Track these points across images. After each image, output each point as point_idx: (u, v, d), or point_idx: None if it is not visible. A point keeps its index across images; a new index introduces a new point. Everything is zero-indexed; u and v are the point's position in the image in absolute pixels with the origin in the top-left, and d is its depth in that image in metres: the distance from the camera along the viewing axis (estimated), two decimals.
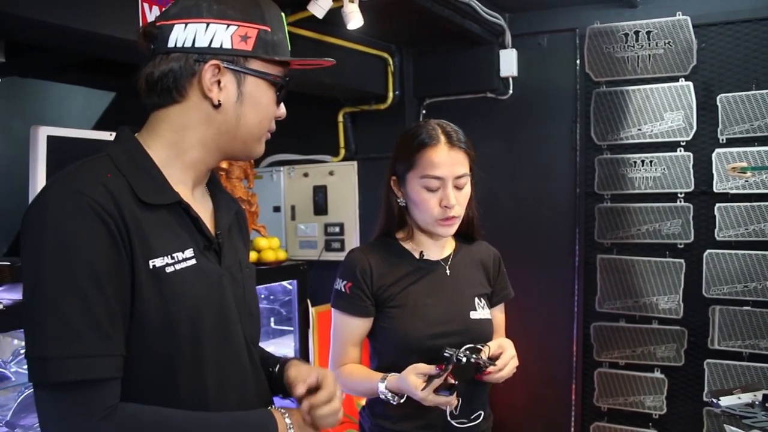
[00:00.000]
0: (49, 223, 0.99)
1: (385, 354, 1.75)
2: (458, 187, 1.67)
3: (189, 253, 1.12)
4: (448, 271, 1.77)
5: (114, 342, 1.01)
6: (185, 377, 1.10)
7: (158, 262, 1.07)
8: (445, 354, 1.53)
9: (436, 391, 1.52)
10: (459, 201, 1.67)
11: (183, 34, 1.11)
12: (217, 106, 1.13)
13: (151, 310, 1.06)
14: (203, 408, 1.12)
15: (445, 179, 1.64)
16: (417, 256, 1.76)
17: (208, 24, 1.11)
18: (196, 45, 1.11)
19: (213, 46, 1.11)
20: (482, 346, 1.61)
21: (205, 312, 1.13)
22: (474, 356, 1.55)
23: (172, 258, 1.09)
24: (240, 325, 1.21)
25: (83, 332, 0.97)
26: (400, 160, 1.71)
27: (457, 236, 1.82)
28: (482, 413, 1.72)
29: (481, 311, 1.75)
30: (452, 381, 1.52)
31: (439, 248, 1.79)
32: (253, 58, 1.14)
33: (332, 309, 1.79)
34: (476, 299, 1.76)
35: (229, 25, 1.11)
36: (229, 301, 1.18)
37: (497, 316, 1.87)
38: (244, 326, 1.23)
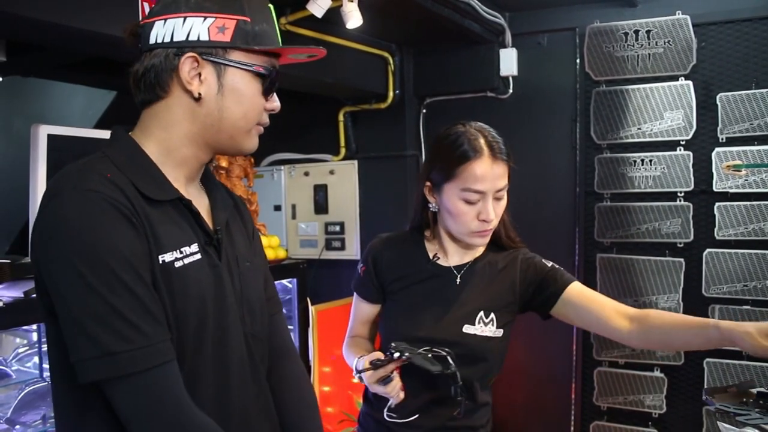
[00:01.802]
0: (72, 226, 1.00)
1: (383, 343, 1.76)
2: (498, 198, 1.62)
3: (194, 247, 1.14)
4: (458, 280, 1.70)
5: (164, 327, 1.05)
6: (186, 371, 1.11)
7: (167, 257, 1.09)
8: (390, 347, 1.53)
9: (381, 381, 1.53)
10: (496, 212, 1.62)
11: (162, 30, 1.12)
12: (198, 99, 1.13)
13: (165, 304, 1.07)
14: (202, 400, 1.13)
15: (486, 193, 1.58)
16: (431, 257, 1.73)
17: (185, 18, 1.11)
18: (175, 39, 1.12)
19: (191, 39, 1.11)
20: (450, 360, 1.51)
21: (209, 307, 1.14)
22: (407, 355, 1.49)
23: (180, 252, 1.11)
24: (239, 321, 1.22)
25: (140, 324, 1.01)
26: (437, 168, 1.63)
27: (489, 243, 1.73)
28: (418, 416, 1.65)
29: (480, 327, 1.65)
30: (389, 375, 1.52)
31: (461, 254, 1.72)
32: (233, 49, 1.14)
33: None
34: (481, 313, 1.65)
35: (206, 18, 1.12)
36: (229, 297, 1.19)
37: (575, 292, 1.64)
38: (244, 321, 1.24)
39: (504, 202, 1.66)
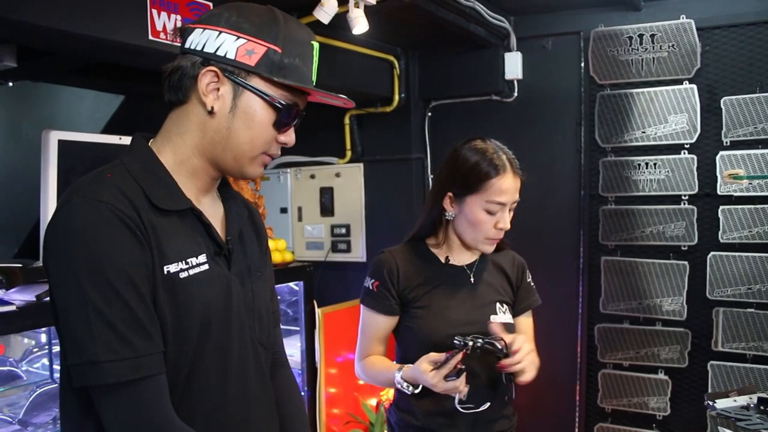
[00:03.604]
0: (77, 234, 1.03)
1: (409, 351, 1.81)
2: (511, 209, 1.78)
3: (202, 258, 1.16)
4: (472, 279, 1.84)
5: (155, 341, 1.06)
6: (185, 379, 1.13)
7: (172, 267, 1.10)
8: (455, 341, 1.61)
9: (446, 378, 1.60)
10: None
11: (198, 38, 1.15)
12: (210, 113, 1.15)
13: (166, 314, 1.09)
14: (198, 407, 1.15)
15: (507, 204, 1.75)
16: (443, 260, 1.85)
17: (220, 32, 1.13)
18: (205, 49, 1.14)
19: (218, 53, 1.13)
20: (496, 339, 1.66)
21: (213, 316, 1.16)
22: (482, 342, 1.61)
23: (186, 263, 1.13)
24: (247, 329, 1.24)
25: (129, 336, 1.03)
26: (461, 181, 1.76)
27: None
28: (490, 403, 1.77)
29: (502, 315, 1.81)
30: (460, 367, 1.59)
31: (467, 255, 1.88)
32: (255, 75, 1.14)
33: (361, 305, 1.88)
34: (498, 304, 1.83)
35: (238, 38, 1.13)
36: (236, 306, 1.21)
37: (523, 323, 1.91)
38: (253, 330, 1.26)
39: (512, 212, 1.80)
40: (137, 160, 1.16)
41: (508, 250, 1.95)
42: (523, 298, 1.92)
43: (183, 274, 1.11)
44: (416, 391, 1.70)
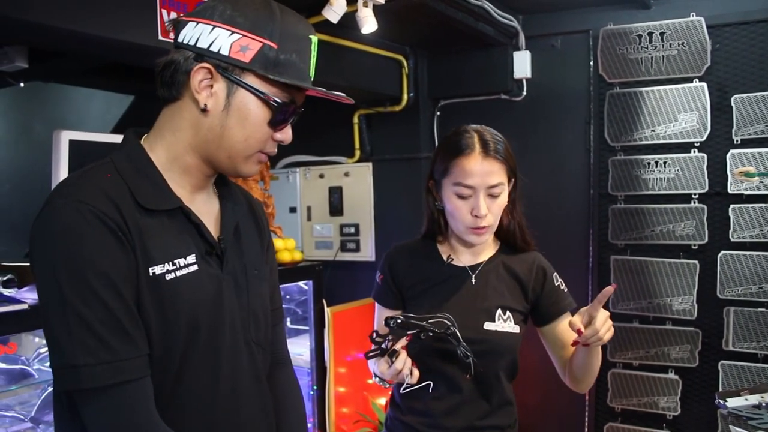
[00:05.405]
0: (58, 235, 1.01)
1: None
2: (493, 196, 1.66)
3: (191, 258, 1.13)
4: (474, 280, 1.75)
5: (138, 344, 1.04)
6: (173, 382, 1.12)
7: (158, 269, 1.08)
8: (388, 319, 1.55)
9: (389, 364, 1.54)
10: (492, 210, 1.66)
11: (191, 32, 1.10)
12: (204, 110, 1.11)
13: (151, 316, 1.07)
14: (187, 409, 1.13)
15: (477, 188, 1.63)
16: (445, 259, 1.78)
17: (214, 27, 1.09)
18: (198, 44, 1.10)
19: (211, 49, 1.09)
20: (448, 322, 1.56)
21: (202, 318, 1.13)
22: (401, 320, 1.53)
23: (173, 264, 1.10)
24: (241, 330, 1.22)
25: (109, 339, 1.01)
26: (437, 164, 1.71)
27: (502, 244, 1.82)
28: (431, 384, 1.68)
29: (500, 323, 1.71)
30: (395, 349, 1.53)
31: (473, 255, 1.79)
32: (249, 72, 1.10)
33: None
34: (499, 310, 1.72)
35: (233, 33, 1.09)
36: (228, 306, 1.18)
37: (560, 326, 1.76)
38: (247, 330, 1.23)
39: (502, 202, 1.69)
40: (127, 158, 1.13)
41: (532, 251, 1.81)
42: (549, 303, 1.76)
43: (169, 276, 1.09)
44: (387, 385, 1.69)
